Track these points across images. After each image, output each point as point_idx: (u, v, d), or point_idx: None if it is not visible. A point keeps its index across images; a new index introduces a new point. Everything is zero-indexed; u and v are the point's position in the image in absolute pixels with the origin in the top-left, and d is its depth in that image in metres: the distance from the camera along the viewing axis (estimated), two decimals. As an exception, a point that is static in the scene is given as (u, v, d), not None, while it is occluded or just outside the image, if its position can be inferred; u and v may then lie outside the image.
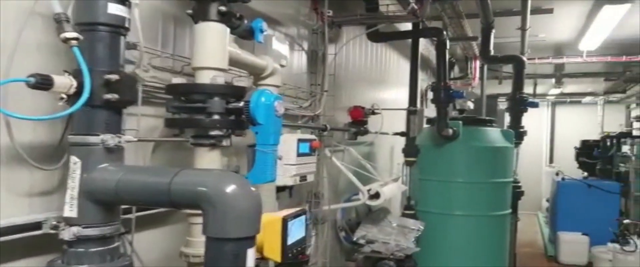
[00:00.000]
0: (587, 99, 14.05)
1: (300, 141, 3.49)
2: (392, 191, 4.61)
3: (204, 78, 2.22)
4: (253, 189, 1.65)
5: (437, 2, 5.58)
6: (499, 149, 5.39)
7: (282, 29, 3.94)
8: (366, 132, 4.93)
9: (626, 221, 8.26)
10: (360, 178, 4.66)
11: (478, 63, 8.29)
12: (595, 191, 9.84)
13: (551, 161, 15.20)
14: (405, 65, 6.32)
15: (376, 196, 4.29)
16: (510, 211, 5.56)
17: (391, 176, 5.67)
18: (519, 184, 5.98)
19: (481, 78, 8.29)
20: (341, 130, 4.76)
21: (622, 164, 10.50)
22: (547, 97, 14.53)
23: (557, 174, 11.17)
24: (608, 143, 10.81)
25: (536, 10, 6.56)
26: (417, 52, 5.04)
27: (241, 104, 2.15)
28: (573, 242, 9.83)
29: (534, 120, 15.74)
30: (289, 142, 3.41)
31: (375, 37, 5.09)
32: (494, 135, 5.45)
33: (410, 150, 5.06)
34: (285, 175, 3.40)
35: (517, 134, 5.86)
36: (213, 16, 2.28)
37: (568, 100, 14.62)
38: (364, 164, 5.04)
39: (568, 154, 12.26)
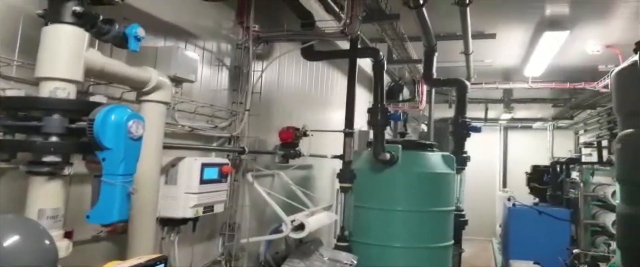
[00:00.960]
0: (538, 124, 14.11)
1: (205, 165, 3.07)
2: (320, 221, 4.21)
3: (46, 91, 1.80)
4: (47, 241, 1.22)
5: (377, 23, 5.32)
6: (440, 176, 5.08)
7: (199, 42, 3.55)
8: (297, 155, 4.54)
9: (576, 251, 8.07)
10: (292, 206, 4.26)
11: (425, 86, 8.09)
12: (546, 217, 9.70)
13: (504, 185, 15.13)
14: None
15: (301, 227, 3.88)
16: (452, 242, 5.23)
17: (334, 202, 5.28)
18: (463, 213, 5.68)
19: (429, 101, 8.08)
20: (265, 153, 4.36)
21: (571, 190, 10.42)
22: (499, 122, 14.53)
23: (508, 199, 11.01)
24: (557, 169, 10.72)
25: (479, 35, 6.41)
26: (354, 72, 4.73)
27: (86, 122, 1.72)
28: (525, 271, 9.57)
29: (487, 145, 15.80)
30: (190, 168, 2.98)
31: (310, 55, 4.75)
32: (435, 160, 5.15)
33: (345, 175, 4.69)
34: (186, 206, 2.96)
35: (459, 159, 5.59)
36: (66, 18, 1.87)
37: (519, 125, 14.66)
38: (294, 190, 4.63)
39: (520, 179, 12.14)
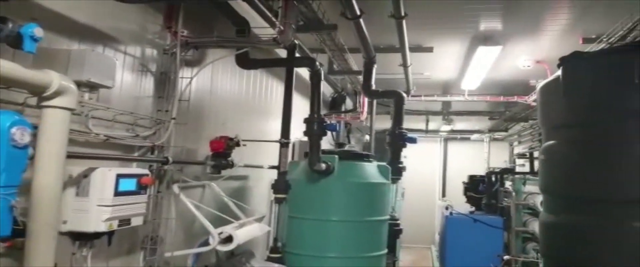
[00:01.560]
0: (475, 135, 14.54)
1: (121, 176, 2.86)
2: (251, 232, 4.05)
3: None
4: None
5: (316, 33, 5.26)
6: (376, 186, 5.05)
7: (120, 46, 3.33)
8: (229, 165, 4.37)
9: (506, 257, 8.28)
10: (223, 218, 4.08)
11: (366, 98, 8.12)
12: (480, 225, 9.93)
13: (444, 194, 15.46)
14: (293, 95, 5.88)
15: (229, 239, 3.71)
16: (386, 251, 5.20)
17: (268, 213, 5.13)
18: (397, 222, 5.68)
19: (370, 112, 8.11)
20: (193, 164, 4.16)
21: (505, 199, 10.72)
22: (439, 133, 14.86)
23: (446, 208, 11.22)
24: (492, 179, 11.02)
25: (417, 49, 6.49)
26: (291, 81, 4.62)
27: (-42, 130, 1.52)
28: (461, 279, 9.73)
29: (428, 156, 16.18)
30: (103, 179, 2.77)
31: (246, 63, 4.61)
32: (371, 170, 5.12)
33: (280, 185, 4.56)
34: (98, 219, 2.74)
35: (395, 169, 5.59)
36: (-55, 13, 1.66)
37: (458, 136, 15.06)
38: (227, 201, 4.45)
39: (459, 189, 12.40)
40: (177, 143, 3.77)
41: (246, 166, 4.83)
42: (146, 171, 3.16)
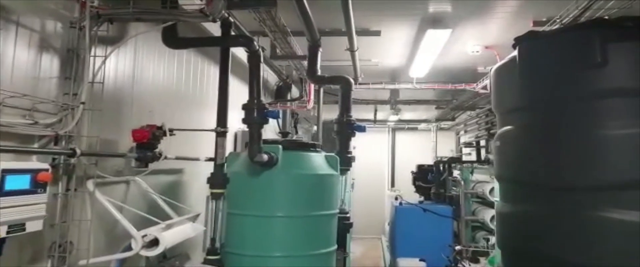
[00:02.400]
0: (423, 125, 14.49)
1: (7, 172, 2.30)
2: (181, 234, 3.55)
3: None
4: None
5: (254, 12, 4.77)
6: (324, 177, 4.65)
7: (10, 16, 2.73)
8: (155, 157, 3.83)
9: (458, 248, 8.15)
10: (151, 218, 3.55)
11: (313, 85, 7.70)
12: (430, 215, 9.85)
13: (392, 184, 15.36)
14: (235, 83, 5.36)
15: (154, 242, 3.20)
16: (335, 247, 4.82)
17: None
18: (348, 215, 5.31)
19: (317, 102, 7.71)
20: (111, 156, 3.60)
21: (453, 188, 10.69)
22: (387, 123, 14.71)
23: (395, 198, 11.08)
24: (441, 168, 10.96)
25: (364, 32, 6.12)
26: (226, 62, 4.13)
27: None
28: (411, 268, 9.60)
29: (376, 146, 16.04)
30: (-20, 176, 2.20)
31: (174, 42, 4.06)
32: (318, 161, 4.71)
33: (216, 179, 4.07)
34: (-26, 226, 2.18)
35: (344, 160, 5.21)
36: None
37: (406, 126, 14.97)
38: (155, 198, 3.92)
39: (407, 178, 12.33)
40: (91, 133, 3.20)
41: (178, 158, 4.30)
42: (45, 166, 2.60)
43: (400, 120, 13.33)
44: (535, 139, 3.70)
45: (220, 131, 4.15)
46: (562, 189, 3.50)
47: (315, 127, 12.86)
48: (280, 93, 8.15)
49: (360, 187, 14.69)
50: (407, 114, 13.07)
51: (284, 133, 4.85)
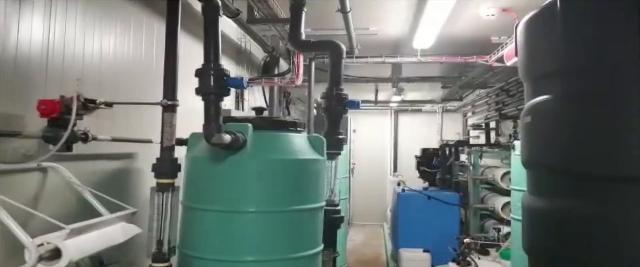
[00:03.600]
0: (427, 106, 13.46)
1: None
2: (102, 240, 2.60)
3: None
4: None
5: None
6: (306, 163, 3.66)
7: None
8: (77, 138, 2.85)
9: (467, 240, 7.21)
10: (78, 216, 2.59)
11: (301, 58, 6.66)
12: (435, 202, 9.00)
13: (395, 169, 14.41)
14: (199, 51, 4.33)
15: (56, 254, 2.24)
16: (322, 247, 3.86)
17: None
18: (338, 208, 4.32)
19: (308, 77, 6.70)
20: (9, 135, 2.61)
21: (460, 174, 9.77)
22: (389, 104, 13.70)
23: (398, 184, 10.21)
24: (447, 152, 10.02)
25: (358, -9, 5.09)
26: (175, 14, 3.13)
27: None
28: (414, 260, 8.75)
29: (378, 129, 15.06)
30: None
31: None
32: (299, 143, 3.72)
33: (163, 167, 3.11)
34: None
35: (333, 142, 4.22)
36: None
37: (409, 108, 13.94)
38: (81, 191, 2.95)
39: (411, 163, 11.44)
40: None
41: (116, 139, 3.32)
42: None
43: (403, 102, 12.28)
44: (584, 112, 2.71)
45: (168, 105, 3.17)
46: (619, 180, 2.52)
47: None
48: (267, 69, 7.13)
49: (361, 172, 13.79)
50: (411, 94, 12.04)
51: (258, 109, 3.86)
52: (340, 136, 4.33)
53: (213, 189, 3.47)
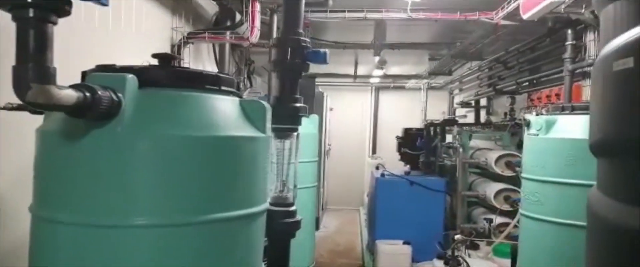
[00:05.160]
0: (411, 82, 12.02)
1: None
2: None
3: None
4: None
5: None
6: (235, 143, 2.14)
7: None
8: None
9: (458, 237, 5.90)
10: None
11: (258, 5, 5.04)
12: (418, 189, 7.73)
13: (374, 151, 13.05)
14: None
15: None
16: (261, 274, 2.39)
17: None
18: (292, 209, 2.82)
19: (269, 36, 5.15)
20: None
21: (445, 156, 8.48)
22: (370, 81, 12.23)
23: (377, 167, 8.90)
24: (431, 132, 8.70)
25: None
26: None
27: None
28: (392, 254, 7.47)
29: (357, 107, 13.59)
30: None
31: None
32: (225, 111, 2.20)
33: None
34: None
35: (285, 112, 2.71)
36: None
37: (392, 85, 12.48)
38: None
39: (391, 145, 10.12)
40: None
41: None
42: None
43: (385, 76, 10.80)
44: None
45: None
46: None
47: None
48: (219, 23, 5.53)
49: (337, 153, 12.40)
50: (394, 68, 10.57)
51: (163, 57, 2.32)
52: (298, 104, 2.82)
53: (70, 186, 1.96)
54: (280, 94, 2.79)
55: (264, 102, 2.32)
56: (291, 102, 2.79)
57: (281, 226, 2.73)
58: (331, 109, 11.63)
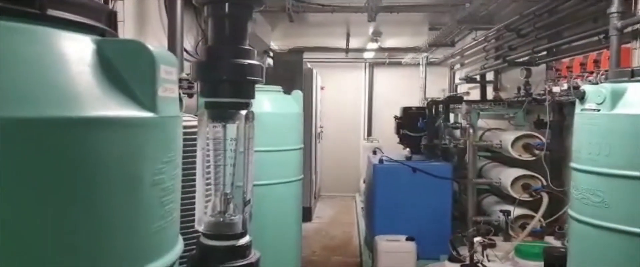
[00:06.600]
0: (409, 57, 10.72)
1: None
2: None
3: None
4: None
5: None
6: (79, 138, 0.92)
7: None
8: None
9: (477, 239, 4.71)
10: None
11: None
12: (422, 176, 6.52)
13: (369, 133, 11.82)
14: None
15: None
16: None
17: None
18: (242, 243, 1.57)
19: None
20: None
21: (449, 137, 7.28)
22: (364, 57, 10.93)
23: (374, 152, 7.69)
24: (434, 111, 7.49)
25: None
26: None
27: None
28: (394, 252, 6.28)
29: (350, 85, 12.29)
30: None
31: None
32: (55, 63, 0.96)
33: None
34: None
35: (223, 72, 1.46)
36: None
37: (387, 60, 11.18)
38: None
39: (388, 125, 8.89)
40: None
41: None
42: None
43: (380, 49, 9.51)
44: None
45: None
46: None
47: (269, 60, 8.97)
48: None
49: (330, 136, 11.16)
50: (390, 41, 9.27)
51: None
52: (250, 61, 1.57)
53: None
54: (214, 42, 1.53)
55: (149, 46, 1.06)
56: (234, 55, 1.53)
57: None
58: (322, 88, 10.38)
